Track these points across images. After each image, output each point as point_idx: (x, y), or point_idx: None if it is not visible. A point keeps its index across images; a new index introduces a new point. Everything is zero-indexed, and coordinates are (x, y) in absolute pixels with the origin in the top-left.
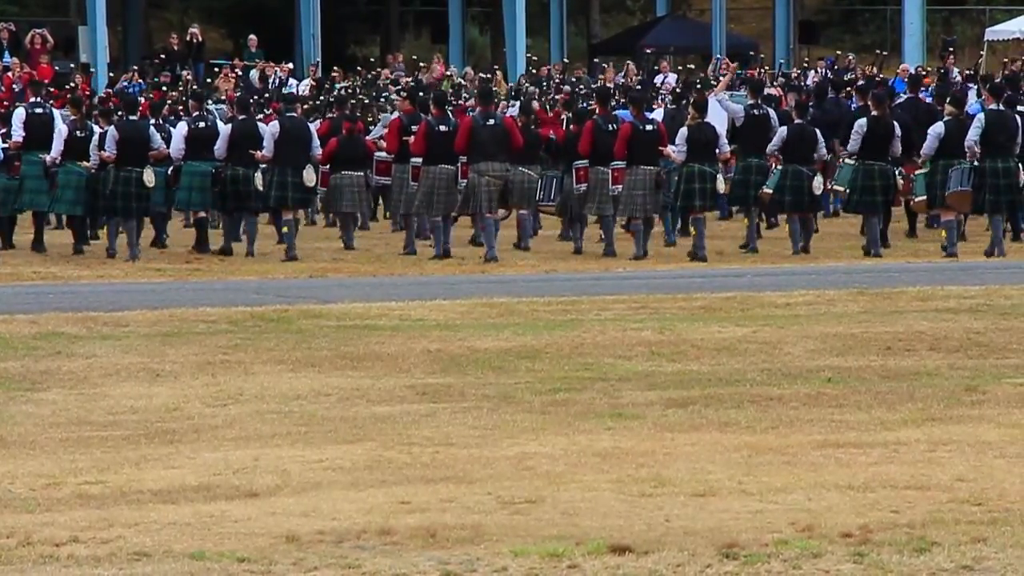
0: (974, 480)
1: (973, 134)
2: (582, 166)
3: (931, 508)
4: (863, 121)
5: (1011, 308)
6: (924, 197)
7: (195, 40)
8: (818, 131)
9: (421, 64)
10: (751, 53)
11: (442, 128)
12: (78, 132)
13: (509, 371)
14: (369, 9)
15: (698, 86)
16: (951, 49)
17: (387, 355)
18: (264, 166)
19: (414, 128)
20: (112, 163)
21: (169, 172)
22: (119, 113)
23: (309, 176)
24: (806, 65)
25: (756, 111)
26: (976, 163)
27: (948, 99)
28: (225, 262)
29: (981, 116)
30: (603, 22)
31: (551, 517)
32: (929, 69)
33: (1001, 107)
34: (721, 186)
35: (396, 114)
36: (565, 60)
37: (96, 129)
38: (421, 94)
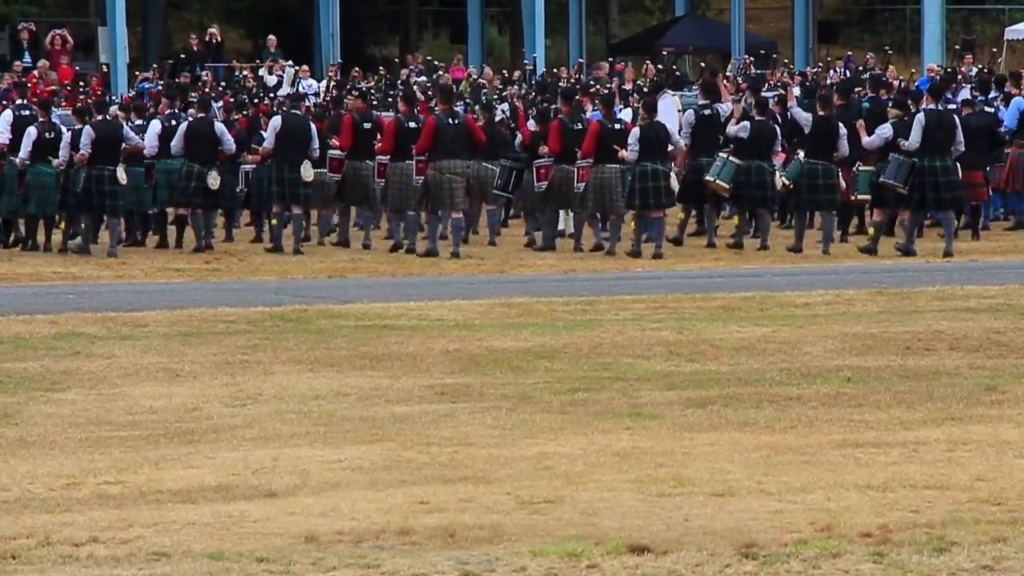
0: (994, 480)
1: (914, 135)
2: (543, 164)
3: (951, 508)
4: (808, 120)
5: None
6: (868, 196)
7: (214, 40)
8: (777, 128)
9: (438, 64)
10: (762, 52)
11: (411, 125)
12: (46, 134)
13: (528, 371)
14: (388, 9)
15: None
16: (955, 47)
17: (406, 355)
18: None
19: (366, 125)
20: (85, 162)
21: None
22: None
23: (307, 172)
24: (827, 62)
25: (706, 111)
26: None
27: (893, 102)
28: (244, 262)
29: (921, 116)
30: (622, 22)
31: (570, 517)
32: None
33: (941, 107)
34: (675, 183)
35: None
36: (580, 60)
37: (64, 130)
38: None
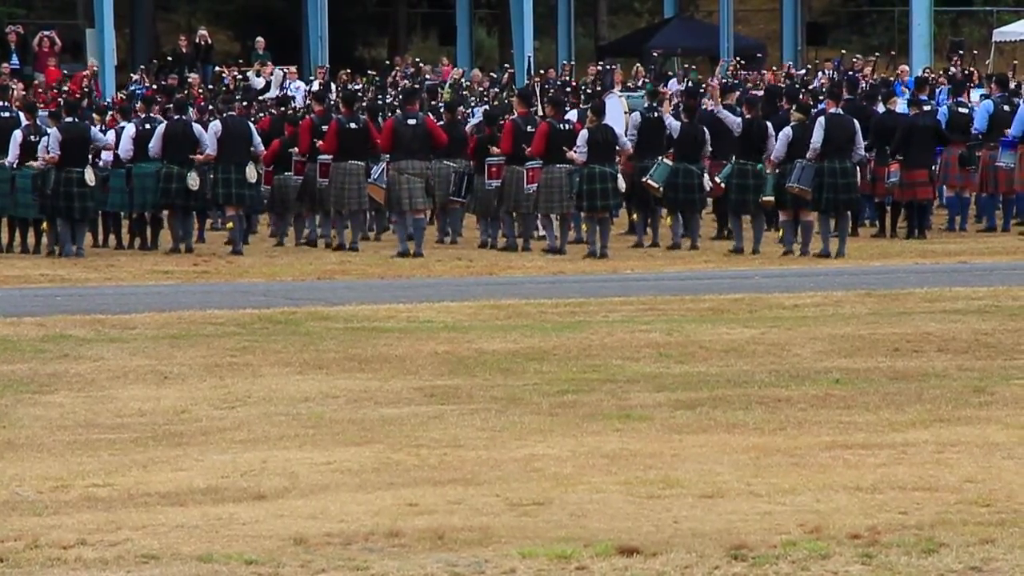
0: (982, 481)
1: (816, 137)
2: (495, 163)
3: (939, 509)
4: (738, 123)
5: (1019, 309)
6: (771, 197)
7: (204, 42)
8: (706, 130)
9: (424, 66)
10: (757, 55)
11: (352, 126)
12: (32, 137)
13: (517, 373)
14: (376, 11)
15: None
16: (961, 51)
17: (395, 357)
18: (203, 165)
19: (324, 128)
20: (55, 164)
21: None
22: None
23: (251, 172)
24: (814, 65)
25: (652, 114)
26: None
27: (795, 106)
28: (233, 264)
29: (822, 120)
30: (610, 23)
31: (559, 519)
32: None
33: (840, 111)
34: (622, 185)
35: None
36: (565, 61)
37: (49, 131)
38: (425, 96)
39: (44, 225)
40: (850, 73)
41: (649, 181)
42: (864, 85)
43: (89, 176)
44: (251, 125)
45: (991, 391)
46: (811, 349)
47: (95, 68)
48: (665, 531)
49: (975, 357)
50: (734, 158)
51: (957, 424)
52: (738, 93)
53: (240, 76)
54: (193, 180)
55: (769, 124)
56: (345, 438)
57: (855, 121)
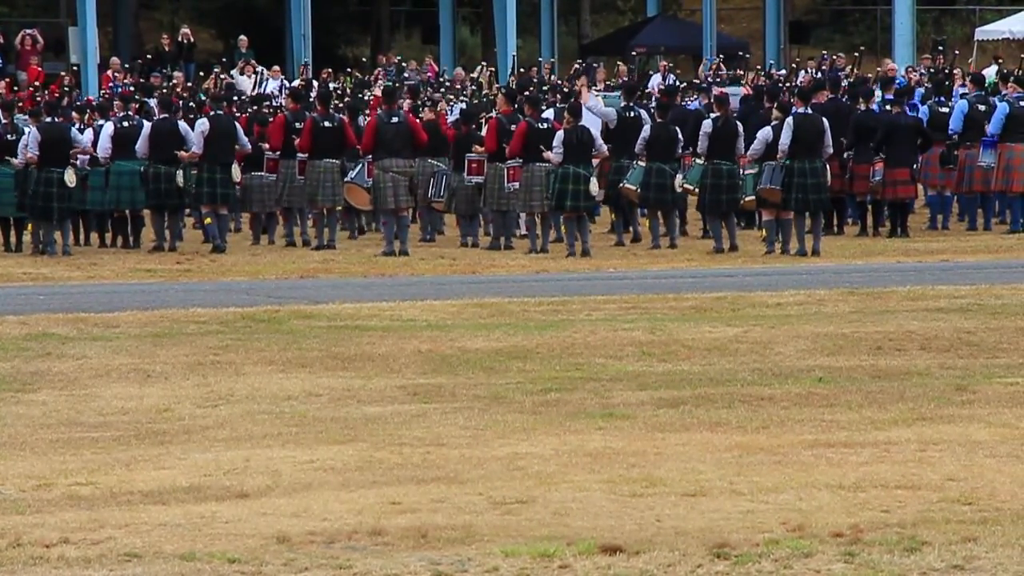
0: (964, 479)
1: (784, 137)
2: (475, 159)
3: (922, 507)
4: (708, 123)
5: (1001, 308)
6: (753, 197)
7: (186, 41)
8: (678, 130)
9: (404, 63)
10: (740, 53)
11: (326, 124)
12: (8, 136)
13: (500, 371)
14: (359, 9)
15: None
16: (940, 48)
17: (378, 355)
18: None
19: (298, 125)
20: (35, 164)
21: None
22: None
23: (236, 172)
24: (796, 64)
25: (628, 113)
26: (787, 162)
27: (776, 105)
28: (216, 262)
29: (790, 120)
30: (593, 22)
31: (542, 517)
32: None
33: (809, 111)
34: (595, 187)
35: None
36: (543, 59)
37: (27, 131)
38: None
39: (29, 225)
40: (829, 71)
41: (627, 186)
42: (846, 83)
43: (69, 177)
44: (237, 124)
45: (973, 389)
46: (794, 348)
47: (119, 64)
48: (648, 529)
49: (957, 355)
50: (701, 159)
51: (939, 422)
52: (717, 92)
53: (224, 76)
54: (181, 179)
55: (739, 124)
56: (328, 436)
57: (824, 120)
